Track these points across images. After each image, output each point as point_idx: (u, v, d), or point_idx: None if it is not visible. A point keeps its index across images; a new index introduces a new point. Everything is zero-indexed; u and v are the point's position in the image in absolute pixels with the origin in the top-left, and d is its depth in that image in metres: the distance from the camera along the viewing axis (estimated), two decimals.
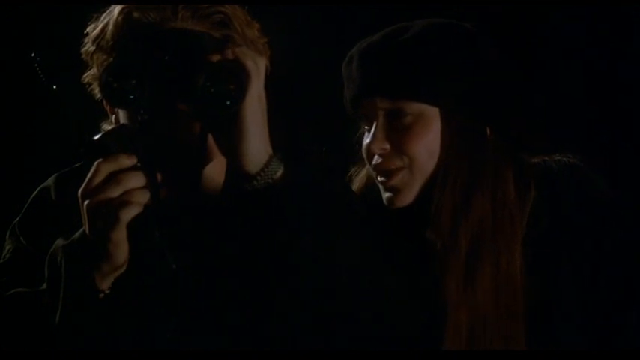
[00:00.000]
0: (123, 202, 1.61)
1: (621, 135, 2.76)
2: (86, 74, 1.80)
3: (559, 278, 1.83)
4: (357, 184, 2.00)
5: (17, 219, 1.92)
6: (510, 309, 1.81)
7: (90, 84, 1.81)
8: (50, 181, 1.92)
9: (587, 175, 1.87)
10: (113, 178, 1.62)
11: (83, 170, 1.73)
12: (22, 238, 1.88)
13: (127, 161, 1.63)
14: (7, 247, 1.89)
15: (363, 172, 2.00)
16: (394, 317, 1.69)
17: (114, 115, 1.80)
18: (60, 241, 1.71)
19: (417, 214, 1.85)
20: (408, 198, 1.85)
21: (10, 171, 2.77)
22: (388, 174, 1.85)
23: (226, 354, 1.75)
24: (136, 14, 1.70)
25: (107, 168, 1.62)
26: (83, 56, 1.79)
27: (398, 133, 1.83)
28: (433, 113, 1.83)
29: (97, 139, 1.64)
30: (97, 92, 1.80)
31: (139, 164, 1.63)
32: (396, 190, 1.85)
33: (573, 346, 1.84)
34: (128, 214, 1.61)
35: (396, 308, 1.69)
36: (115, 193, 1.61)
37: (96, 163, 1.62)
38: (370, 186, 1.96)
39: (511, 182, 1.85)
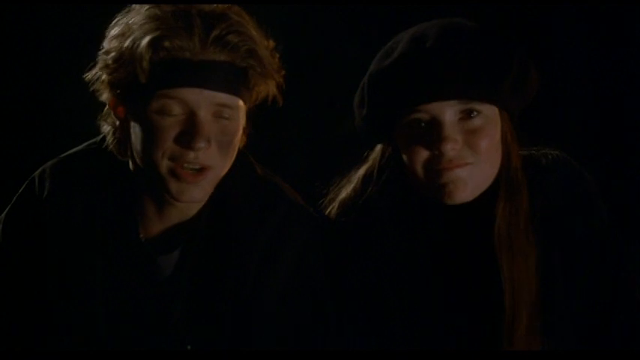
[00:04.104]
0: None
1: (621, 134, 2.76)
2: (93, 75, 1.80)
3: (547, 273, 1.88)
4: (349, 186, 2.00)
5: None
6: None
7: (93, 82, 1.81)
8: (37, 174, 1.93)
9: (576, 169, 1.92)
10: None
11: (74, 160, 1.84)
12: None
13: None
14: None
15: (359, 174, 2.00)
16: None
17: (118, 116, 1.82)
18: None
19: (463, 212, 1.89)
20: (470, 193, 1.86)
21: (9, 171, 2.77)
22: (454, 168, 1.85)
23: (226, 354, 1.80)
24: (166, 43, 1.71)
25: None
26: (99, 58, 1.79)
27: (467, 133, 1.84)
28: (494, 114, 1.87)
29: None
30: (100, 92, 1.81)
31: None
32: (459, 185, 1.85)
33: (563, 345, 1.87)
34: None
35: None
36: None
37: None
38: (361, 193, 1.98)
39: None
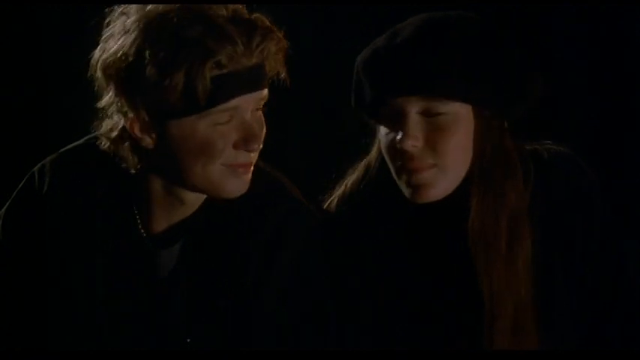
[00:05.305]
0: None
1: (621, 134, 2.77)
2: (110, 98, 1.77)
3: (546, 271, 1.87)
4: (351, 180, 2.00)
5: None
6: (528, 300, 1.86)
7: (111, 105, 1.78)
8: (37, 169, 1.92)
9: (579, 165, 1.91)
10: None
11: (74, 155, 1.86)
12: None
13: None
14: None
15: (360, 168, 2.00)
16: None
17: (144, 129, 1.79)
18: None
19: (442, 209, 1.87)
20: (437, 193, 1.85)
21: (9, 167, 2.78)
22: (417, 170, 1.84)
23: (226, 354, 1.80)
24: (224, 60, 1.71)
25: None
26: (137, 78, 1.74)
27: (432, 131, 1.82)
28: (465, 111, 1.84)
29: None
30: (124, 111, 1.78)
31: None
32: (424, 186, 1.84)
33: (562, 345, 1.87)
34: None
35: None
36: None
37: None
38: (364, 185, 1.97)
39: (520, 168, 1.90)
